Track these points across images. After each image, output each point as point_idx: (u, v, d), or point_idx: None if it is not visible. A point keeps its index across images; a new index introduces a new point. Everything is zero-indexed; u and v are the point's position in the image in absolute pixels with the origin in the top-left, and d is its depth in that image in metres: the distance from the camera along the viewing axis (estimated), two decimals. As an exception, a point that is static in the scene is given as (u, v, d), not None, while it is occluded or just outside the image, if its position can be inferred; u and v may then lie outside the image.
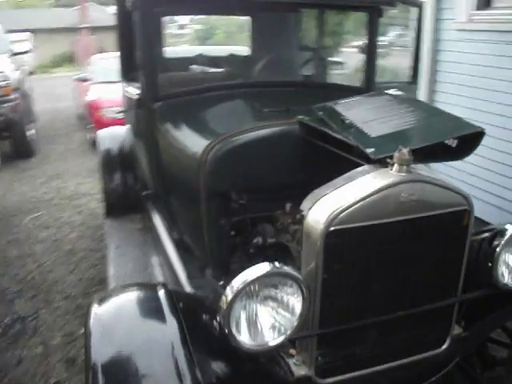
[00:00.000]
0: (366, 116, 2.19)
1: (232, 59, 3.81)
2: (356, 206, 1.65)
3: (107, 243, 3.57)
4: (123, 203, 4.07)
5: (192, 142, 2.55)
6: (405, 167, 1.71)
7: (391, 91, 2.45)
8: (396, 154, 1.71)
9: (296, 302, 1.61)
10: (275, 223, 2.39)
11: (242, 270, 1.61)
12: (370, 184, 1.70)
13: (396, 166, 1.72)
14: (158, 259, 3.07)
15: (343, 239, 1.67)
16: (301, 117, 2.39)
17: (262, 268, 1.58)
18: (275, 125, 2.42)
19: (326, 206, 1.69)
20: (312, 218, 1.71)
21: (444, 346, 2.02)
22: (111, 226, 3.81)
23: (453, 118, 2.04)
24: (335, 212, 1.64)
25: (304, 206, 1.79)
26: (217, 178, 2.33)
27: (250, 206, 2.38)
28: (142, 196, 3.50)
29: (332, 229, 1.64)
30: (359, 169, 1.83)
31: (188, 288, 2.38)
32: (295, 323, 1.62)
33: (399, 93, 2.45)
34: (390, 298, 1.84)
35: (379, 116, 2.20)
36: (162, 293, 1.83)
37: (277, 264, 1.59)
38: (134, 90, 3.30)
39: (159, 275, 2.92)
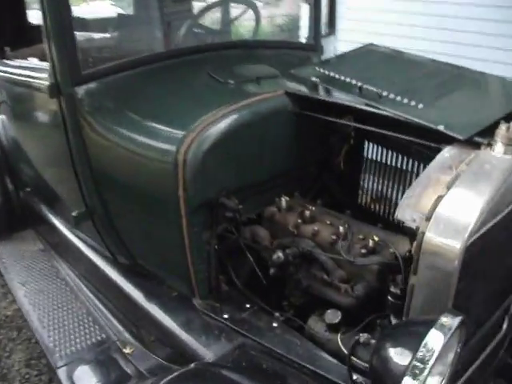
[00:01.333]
0: (380, 78, 1.83)
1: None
2: (489, 205, 1.28)
3: (6, 280, 2.64)
4: (8, 218, 3.08)
5: (153, 137, 1.89)
6: (510, 147, 1.38)
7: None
8: (501, 132, 1.38)
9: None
10: (274, 223, 2.00)
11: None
12: (489, 174, 1.33)
13: (500, 145, 1.38)
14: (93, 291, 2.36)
15: (483, 250, 1.30)
16: (291, 86, 1.92)
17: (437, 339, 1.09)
18: (262, 101, 1.90)
19: (453, 213, 1.27)
20: (437, 233, 1.27)
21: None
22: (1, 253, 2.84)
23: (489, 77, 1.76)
24: (474, 219, 1.24)
25: (406, 217, 1.35)
26: (203, 183, 1.79)
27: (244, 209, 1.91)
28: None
29: (474, 239, 1.24)
30: (446, 154, 1.45)
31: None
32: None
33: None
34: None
35: (398, 77, 1.85)
36: None
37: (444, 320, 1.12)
38: (24, 72, 2.40)
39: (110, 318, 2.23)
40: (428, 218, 1.29)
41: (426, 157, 1.94)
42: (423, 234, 1.29)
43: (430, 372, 1.02)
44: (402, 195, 2.13)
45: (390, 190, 2.15)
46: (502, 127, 1.38)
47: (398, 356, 1.08)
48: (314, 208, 1.97)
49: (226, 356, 1.73)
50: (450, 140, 1.50)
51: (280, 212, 2.02)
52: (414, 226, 1.35)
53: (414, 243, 1.33)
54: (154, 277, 2.16)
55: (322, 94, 1.89)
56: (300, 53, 2.51)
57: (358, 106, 1.74)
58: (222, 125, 1.80)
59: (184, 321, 1.93)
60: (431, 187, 1.38)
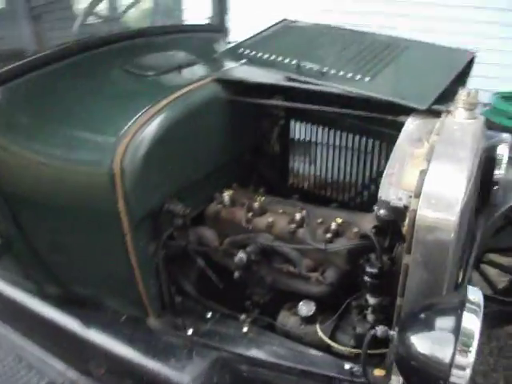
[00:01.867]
0: (313, 54, 1.77)
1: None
2: (470, 173, 1.27)
3: None
4: None
5: (80, 148, 1.64)
6: (472, 112, 1.39)
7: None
8: (462, 97, 1.38)
9: None
10: (220, 221, 1.87)
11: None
12: (462, 142, 1.33)
13: (462, 111, 1.39)
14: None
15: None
16: (221, 72, 1.79)
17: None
18: (192, 92, 1.74)
19: (441, 187, 1.24)
20: (430, 209, 1.23)
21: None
22: None
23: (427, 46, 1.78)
24: (463, 189, 1.23)
25: (391, 197, 1.30)
26: (145, 191, 1.62)
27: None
28: None
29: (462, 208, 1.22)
30: (410, 126, 1.43)
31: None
32: None
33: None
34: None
35: (330, 52, 1.80)
36: None
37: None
38: None
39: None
40: (417, 195, 1.25)
41: (369, 132, 1.94)
42: (415, 211, 1.25)
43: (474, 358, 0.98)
44: (344, 174, 2.17)
45: (328, 169, 2.12)
46: (463, 93, 1.38)
47: (437, 346, 1.03)
48: (261, 198, 1.86)
49: (205, 376, 1.58)
50: (400, 111, 1.49)
51: (225, 208, 1.88)
52: (400, 204, 1.30)
53: (405, 222, 1.29)
54: (92, 303, 1.89)
55: (257, 77, 1.76)
56: (205, 35, 2.35)
57: (305, 86, 1.64)
58: (156, 124, 1.59)
59: (143, 346, 1.73)
60: (409, 162, 1.34)
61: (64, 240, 1.80)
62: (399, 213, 1.32)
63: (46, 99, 1.75)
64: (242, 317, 1.80)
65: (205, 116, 1.77)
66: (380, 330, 1.30)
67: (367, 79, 1.61)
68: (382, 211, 1.61)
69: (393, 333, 1.25)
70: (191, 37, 2.24)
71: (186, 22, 2.38)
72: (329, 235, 1.65)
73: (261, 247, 1.73)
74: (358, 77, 1.63)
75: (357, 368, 1.51)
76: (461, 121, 1.40)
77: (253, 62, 1.81)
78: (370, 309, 1.63)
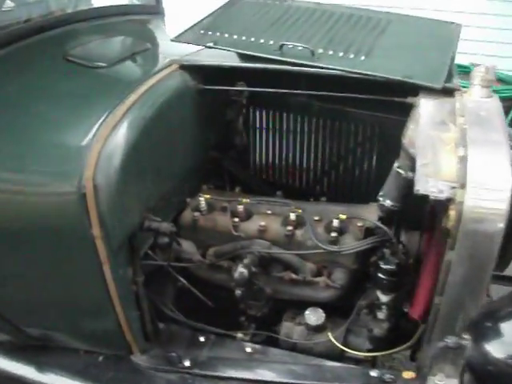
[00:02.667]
0: (290, 32, 1.61)
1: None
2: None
3: None
4: None
5: (36, 164, 1.31)
6: (488, 90, 1.31)
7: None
8: (479, 74, 1.29)
9: None
10: (199, 231, 1.64)
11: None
12: (491, 123, 1.23)
13: (479, 88, 1.30)
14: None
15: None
16: (187, 58, 1.56)
17: None
18: (160, 83, 1.48)
19: (486, 175, 1.13)
20: (478, 199, 1.12)
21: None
22: None
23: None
24: (510, 176, 1.12)
25: (431, 190, 1.16)
26: (123, 210, 1.36)
27: None
28: None
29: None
30: (428, 108, 1.31)
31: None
32: None
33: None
34: None
35: (307, 28, 1.64)
36: None
37: None
38: None
39: None
40: (463, 186, 1.13)
41: (344, 115, 1.80)
42: (462, 203, 1.13)
43: None
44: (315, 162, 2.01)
45: (302, 158, 1.95)
46: (480, 69, 1.28)
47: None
48: (244, 200, 1.65)
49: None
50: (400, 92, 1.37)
51: (202, 215, 1.64)
52: (442, 197, 1.18)
53: (451, 214, 1.16)
54: (55, 347, 1.56)
55: (235, 61, 1.54)
56: (142, 17, 2.03)
57: (301, 69, 1.44)
58: (129, 125, 1.32)
59: None
60: (441, 149, 1.22)
61: (17, 273, 1.45)
62: (441, 206, 1.20)
63: None
64: (239, 335, 1.60)
65: (177, 109, 1.51)
66: (451, 340, 1.18)
67: (362, 58, 1.46)
68: (388, 201, 1.51)
69: (466, 342, 1.14)
70: (128, 20, 1.91)
71: (116, 3, 2.03)
72: (333, 234, 1.50)
73: (259, 256, 1.53)
74: (351, 55, 1.47)
75: (388, 375, 1.39)
76: (478, 99, 1.31)
77: (220, 43, 1.57)
78: (384, 307, 1.52)
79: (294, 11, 1.71)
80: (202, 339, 1.57)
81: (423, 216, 1.54)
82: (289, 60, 1.44)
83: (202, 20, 1.68)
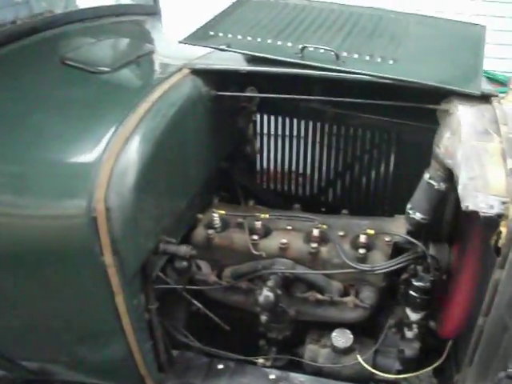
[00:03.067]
0: (309, 35, 1.52)
1: None
2: None
3: None
4: None
5: (37, 184, 1.17)
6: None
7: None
8: None
9: None
10: (214, 249, 1.51)
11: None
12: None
13: None
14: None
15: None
16: (195, 63, 1.45)
17: None
18: (171, 90, 1.36)
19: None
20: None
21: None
22: None
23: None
24: None
25: (480, 206, 1.07)
26: (138, 234, 1.24)
27: None
28: None
29: None
30: (468, 116, 1.22)
31: None
32: None
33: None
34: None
35: (324, 30, 1.55)
36: None
37: None
38: None
39: None
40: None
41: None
42: (515, 219, 1.05)
43: None
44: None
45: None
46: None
47: None
48: (262, 215, 1.53)
49: None
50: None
51: (217, 232, 1.52)
52: (493, 213, 1.09)
53: (502, 231, 1.08)
54: (60, 382, 1.43)
55: (245, 64, 1.42)
56: (139, 18, 1.89)
57: (333, 74, 1.33)
58: (143, 138, 1.19)
59: None
60: (486, 161, 1.13)
61: (15, 301, 1.30)
62: (490, 222, 1.11)
63: None
64: (261, 360, 1.49)
65: (191, 119, 1.39)
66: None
67: (390, 62, 1.36)
68: (417, 214, 1.42)
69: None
70: (126, 20, 1.78)
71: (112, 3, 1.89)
72: (362, 251, 1.40)
73: (282, 277, 1.42)
74: (378, 59, 1.38)
75: None
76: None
77: (233, 46, 1.45)
78: (414, 326, 1.43)
79: (309, 12, 1.61)
80: (220, 366, 1.45)
81: (455, 229, 1.46)
82: (315, 64, 1.33)
83: (211, 21, 1.56)
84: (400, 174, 1.75)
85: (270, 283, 1.39)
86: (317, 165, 1.87)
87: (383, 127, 1.69)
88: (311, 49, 1.41)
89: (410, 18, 1.58)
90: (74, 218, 1.13)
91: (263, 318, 1.40)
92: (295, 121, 1.82)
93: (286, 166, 1.92)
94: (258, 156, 1.90)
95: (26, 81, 1.34)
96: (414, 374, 1.43)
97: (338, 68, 1.32)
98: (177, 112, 1.30)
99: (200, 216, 1.56)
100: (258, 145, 1.85)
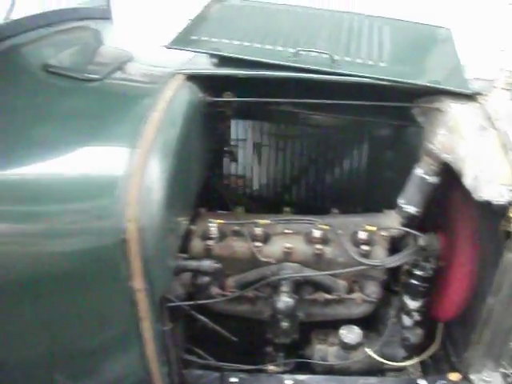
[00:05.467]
0: (296, 38, 1.55)
1: None
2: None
3: None
4: None
5: (52, 201, 1.05)
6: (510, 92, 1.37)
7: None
8: (503, 78, 1.34)
9: None
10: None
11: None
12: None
13: (503, 92, 1.36)
14: None
15: None
16: (187, 68, 1.42)
17: None
18: (173, 98, 1.31)
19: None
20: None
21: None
22: None
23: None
24: None
25: (493, 195, 1.17)
26: (169, 254, 1.20)
27: None
28: None
29: None
30: (465, 114, 1.32)
31: None
32: None
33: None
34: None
35: (311, 34, 1.58)
36: None
37: None
38: None
39: None
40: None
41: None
42: (525, 204, 1.15)
43: None
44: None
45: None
46: (504, 73, 1.33)
47: None
48: (262, 221, 1.51)
49: None
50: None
51: (216, 242, 1.47)
52: (505, 201, 1.19)
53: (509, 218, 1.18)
54: None
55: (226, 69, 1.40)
56: (93, 23, 1.75)
57: (329, 77, 1.35)
58: (163, 152, 1.12)
59: None
60: (494, 154, 1.23)
61: (32, 326, 1.16)
62: (501, 209, 1.21)
63: None
64: (271, 367, 1.47)
65: (194, 127, 1.33)
66: None
67: (382, 64, 1.42)
68: (411, 207, 1.49)
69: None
70: (88, 25, 1.64)
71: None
72: (365, 247, 1.44)
73: (295, 281, 1.41)
74: (369, 62, 1.43)
75: (440, 380, 1.39)
76: (505, 102, 1.35)
77: (223, 50, 1.42)
78: (414, 313, 1.51)
79: (286, 15, 1.62)
80: (233, 380, 1.41)
81: (444, 218, 1.56)
82: (315, 68, 1.35)
83: (190, 25, 1.51)
84: (372, 172, 1.83)
85: (284, 289, 1.38)
86: (300, 169, 1.89)
87: (356, 126, 1.76)
88: (303, 52, 1.43)
89: (381, 21, 1.65)
90: (100, 238, 1.04)
91: (284, 325, 1.39)
92: (266, 124, 1.82)
93: (265, 172, 1.91)
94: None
95: (13, 91, 1.20)
96: (419, 358, 1.51)
97: (339, 71, 1.35)
98: (184, 121, 1.25)
99: (193, 227, 1.50)
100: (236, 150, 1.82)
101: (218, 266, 1.26)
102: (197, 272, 1.25)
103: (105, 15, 1.83)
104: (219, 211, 1.65)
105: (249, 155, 1.85)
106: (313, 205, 1.86)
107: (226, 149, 1.72)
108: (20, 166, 1.07)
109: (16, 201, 1.05)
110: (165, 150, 1.13)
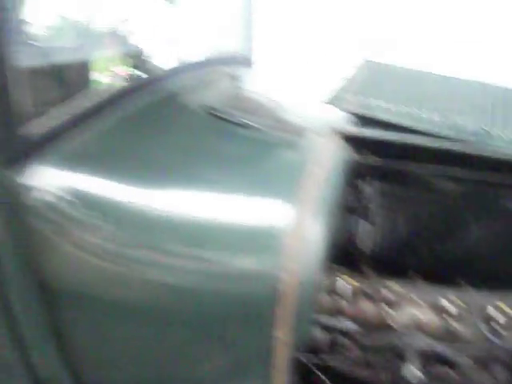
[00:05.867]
0: (451, 108, 1.53)
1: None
2: None
3: None
4: None
5: (209, 250, 1.11)
6: None
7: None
8: None
9: None
10: None
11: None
12: None
13: None
14: None
15: None
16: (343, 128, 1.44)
17: None
18: (336, 152, 1.33)
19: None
20: None
21: None
22: None
23: None
24: None
25: None
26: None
27: None
28: None
29: None
30: None
31: None
32: None
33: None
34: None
35: (462, 104, 1.56)
36: None
37: None
38: None
39: None
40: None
41: None
42: None
43: None
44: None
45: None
46: None
47: None
48: (396, 287, 1.47)
49: None
50: None
51: (347, 302, 1.44)
52: None
53: None
54: None
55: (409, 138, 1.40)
56: (239, 69, 1.84)
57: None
58: (321, 209, 1.13)
59: None
60: None
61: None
62: None
63: (131, 166, 1.13)
64: None
65: (344, 183, 1.34)
66: None
67: None
68: None
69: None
70: (232, 72, 1.72)
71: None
72: (508, 332, 1.36)
73: (424, 354, 1.36)
74: None
75: None
76: None
77: (378, 112, 1.43)
78: None
79: (437, 83, 1.62)
80: None
81: None
82: (470, 140, 1.33)
83: (346, 84, 1.54)
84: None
85: (415, 360, 1.33)
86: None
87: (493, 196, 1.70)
88: (458, 123, 1.41)
89: None
90: (257, 284, 1.05)
91: None
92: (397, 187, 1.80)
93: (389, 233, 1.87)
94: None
95: (177, 131, 1.26)
96: None
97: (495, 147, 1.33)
98: (340, 178, 1.26)
99: (327, 283, 1.48)
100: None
101: (359, 329, 1.23)
102: (338, 332, 1.22)
103: (246, 62, 1.91)
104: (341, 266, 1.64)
105: (375, 215, 1.83)
106: (437, 272, 1.79)
107: (357, 207, 1.71)
108: (185, 205, 1.11)
109: (180, 240, 1.09)
110: (324, 206, 1.14)
